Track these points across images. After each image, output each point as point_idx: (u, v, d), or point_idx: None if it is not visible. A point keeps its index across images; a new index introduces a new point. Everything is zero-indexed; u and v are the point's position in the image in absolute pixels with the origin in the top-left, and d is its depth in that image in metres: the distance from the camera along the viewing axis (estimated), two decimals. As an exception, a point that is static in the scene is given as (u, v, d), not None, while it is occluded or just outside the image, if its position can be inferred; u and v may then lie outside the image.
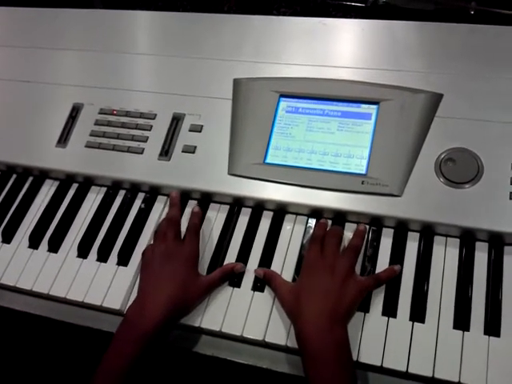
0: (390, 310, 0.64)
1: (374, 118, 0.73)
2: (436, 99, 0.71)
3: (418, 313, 0.63)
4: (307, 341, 0.59)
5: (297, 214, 0.73)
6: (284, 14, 1.04)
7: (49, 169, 0.82)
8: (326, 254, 0.66)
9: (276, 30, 0.85)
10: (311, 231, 0.71)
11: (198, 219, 0.73)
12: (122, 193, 0.80)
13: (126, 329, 0.63)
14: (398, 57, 0.77)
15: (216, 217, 0.75)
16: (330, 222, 0.71)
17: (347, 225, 0.71)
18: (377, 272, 0.66)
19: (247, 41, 0.84)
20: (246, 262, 0.70)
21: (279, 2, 1.05)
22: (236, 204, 0.75)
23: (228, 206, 0.75)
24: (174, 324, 0.66)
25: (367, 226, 0.69)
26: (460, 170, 0.67)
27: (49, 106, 0.85)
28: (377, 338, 0.62)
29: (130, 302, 0.67)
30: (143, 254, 0.71)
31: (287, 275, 0.68)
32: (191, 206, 0.76)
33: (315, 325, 0.59)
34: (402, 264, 0.67)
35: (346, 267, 0.64)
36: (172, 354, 0.69)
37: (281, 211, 0.73)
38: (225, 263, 0.70)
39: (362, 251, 0.68)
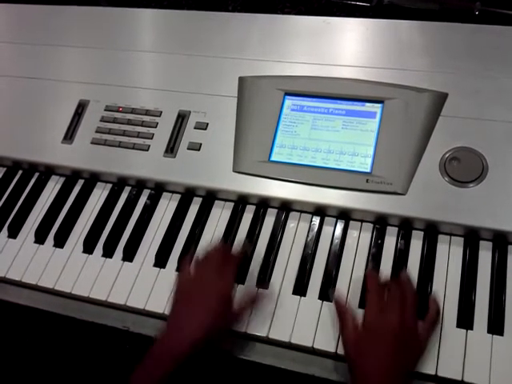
0: (393, 308, 0.64)
1: (378, 116, 0.73)
2: (441, 98, 0.72)
3: (421, 311, 0.62)
4: None
5: (301, 211, 0.73)
6: (288, 14, 1.04)
7: (55, 165, 0.82)
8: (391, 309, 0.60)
9: (281, 29, 0.85)
10: (315, 229, 0.71)
11: (244, 254, 0.69)
12: (127, 189, 0.80)
13: (157, 351, 0.60)
14: (402, 56, 0.77)
15: (220, 214, 0.75)
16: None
17: (351, 223, 0.71)
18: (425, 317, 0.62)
19: (252, 39, 0.84)
20: (249, 260, 0.70)
21: (283, 2, 1.05)
22: (240, 201, 0.75)
23: (232, 204, 0.76)
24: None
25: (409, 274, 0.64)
26: (464, 169, 0.67)
27: (55, 102, 0.86)
28: (380, 335, 0.62)
29: (134, 297, 0.68)
30: (182, 272, 0.67)
31: (291, 273, 0.68)
32: (196, 203, 0.77)
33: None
34: (405, 262, 0.67)
35: (414, 323, 0.60)
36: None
37: (285, 209, 0.74)
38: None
39: (366, 250, 0.69)
